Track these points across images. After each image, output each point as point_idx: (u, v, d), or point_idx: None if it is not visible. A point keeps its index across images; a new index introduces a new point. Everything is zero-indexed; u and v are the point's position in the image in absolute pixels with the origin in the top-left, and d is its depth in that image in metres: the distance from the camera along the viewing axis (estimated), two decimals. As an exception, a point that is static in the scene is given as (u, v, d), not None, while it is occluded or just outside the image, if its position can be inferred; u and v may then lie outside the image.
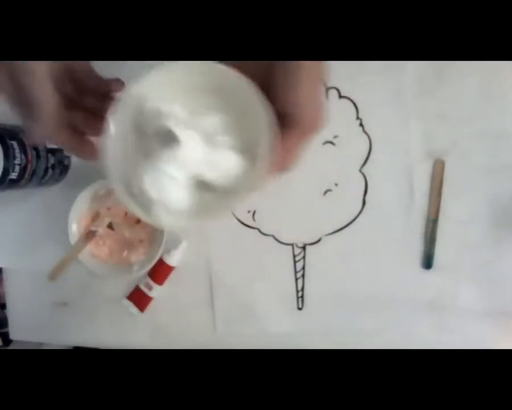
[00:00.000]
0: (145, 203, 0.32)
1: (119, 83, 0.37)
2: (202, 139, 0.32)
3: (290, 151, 0.31)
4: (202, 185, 0.33)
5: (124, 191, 0.33)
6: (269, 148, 0.30)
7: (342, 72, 0.47)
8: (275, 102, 0.30)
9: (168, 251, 0.52)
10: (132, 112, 0.33)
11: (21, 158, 0.46)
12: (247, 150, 0.32)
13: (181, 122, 0.31)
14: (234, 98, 0.32)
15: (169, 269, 0.52)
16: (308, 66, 0.29)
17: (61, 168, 0.53)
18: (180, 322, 0.53)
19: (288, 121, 0.30)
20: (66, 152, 0.52)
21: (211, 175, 0.32)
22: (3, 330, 0.58)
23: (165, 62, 0.31)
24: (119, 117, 0.32)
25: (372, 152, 0.49)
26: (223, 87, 0.32)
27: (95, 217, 0.52)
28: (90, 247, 0.53)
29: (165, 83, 0.32)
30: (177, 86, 0.32)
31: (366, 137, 0.49)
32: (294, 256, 0.51)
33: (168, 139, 0.31)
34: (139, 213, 0.33)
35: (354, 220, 0.50)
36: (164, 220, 0.32)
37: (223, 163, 0.32)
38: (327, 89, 0.30)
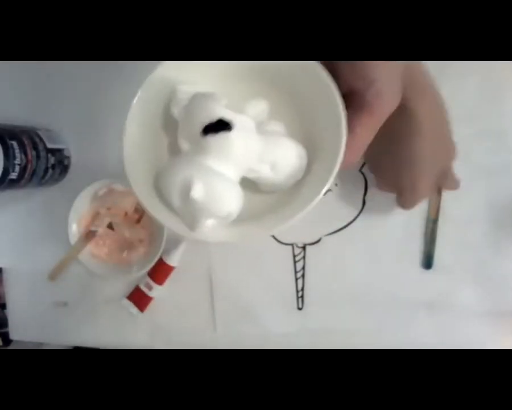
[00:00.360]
0: (186, 214, 0.25)
1: None
2: (255, 127, 0.25)
3: (358, 139, 0.25)
4: (251, 187, 0.27)
5: (153, 201, 0.26)
6: (342, 136, 0.24)
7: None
8: (337, 78, 0.25)
9: (168, 251, 0.52)
10: (160, 99, 0.27)
11: (21, 158, 0.46)
12: (307, 140, 0.26)
13: (224, 105, 0.24)
14: (285, 80, 0.26)
15: (169, 269, 0.52)
16: None
17: (61, 168, 0.53)
18: (180, 322, 0.53)
19: (354, 101, 0.25)
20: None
21: (267, 171, 0.25)
22: (3, 330, 0.58)
23: None
24: (141, 106, 0.26)
25: (372, 152, 0.49)
26: (268, 68, 0.26)
27: (95, 217, 0.52)
28: (90, 247, 0.53)
29: (199, 66, 0.26)
30: (214, 70, 0.27)
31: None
32: (294, 256, 0.51)
33: (214, 128, 0.24)
34: (176, 227, 0.26)
35: (354, 220, 0.50)
36: (214, 233, 0.25)
37: (282, 155, 0.25)
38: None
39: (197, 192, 0.24)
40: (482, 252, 0.47)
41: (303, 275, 0.51)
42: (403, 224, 0.49)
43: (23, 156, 0.46)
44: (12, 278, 0.58)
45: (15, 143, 0.45)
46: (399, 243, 0.49)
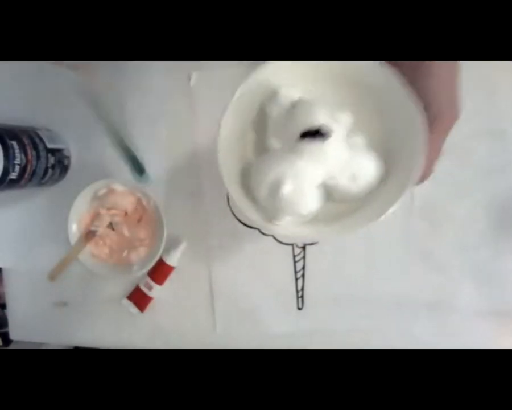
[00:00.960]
0: (269, 207, 0.28)
1: None
2: (344, 137, 0.27)
3: (429, 158, 0.27)
4: (325, 193, 0.28)
5: (242, 195, 0.28)
6: (421, 153, 0.25)
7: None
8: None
9: (168, 251, 0.52)
10: (256, 101, 0.28)
11: (21, 158, 0.46)
12: (385, 152, 0.28)
13: (326, 113, 0.26)
14: (370, 92, 0.27)
15: (169, 269, 0.52)
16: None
17: (61, 168, 0.53)
18: (180, 322, 0.53)
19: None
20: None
21: (345, 181, 0.27)
22: (3, 330, 0.58)
23: None
24: (237, 104, 0.27)
25: (372, 152, 0.49)
26: (355, 79, 0.27)
27: (95, 217, 0.52)
28: (90, 247, 0.53)
29: (292, 71, 0.28)
30: (303, 75, 0.28)
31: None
32: (294, 256, 0.51)
33: (313, 133, 0.26)
34: (257, 219, 0.28)
35: (354, 220, 0.50)
36: (291, 228, 0.28)
37: (362, 168, 0.27)
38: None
39: (287, 189, 0.26)
40: (482, 252, 0.47)
41: (303, 275, 0.51)
42: (403, 224, 0.49)
43: (23, 156, 0.46)
44: (12, 278, 0.58)
45: (15, 143, 0.45)
46: (399, 243, 0.49)
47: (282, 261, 0.51)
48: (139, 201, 0.52)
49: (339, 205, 0.29)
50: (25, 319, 0.58)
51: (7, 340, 0.58)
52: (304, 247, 0.51)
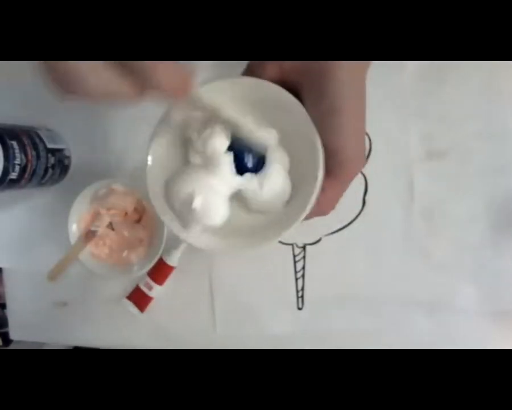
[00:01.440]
0: (185, 217, 0.31)
1: None
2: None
3: (331, 198, 0.30)
4: (238, 202, 0.32)
5: (163, 207, 0.32)
6: (315, 193, 0.28)
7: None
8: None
9: (168, 251, 0.52)
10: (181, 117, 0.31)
11: (21, 158, 0.46)
12: (292, 177, 0.31)
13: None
14: (288, 121, 0.30)
15: (169, 269, 0.52)
16: (350, 109, 0.27)
17: (61, 168, 0.53)
18: (180, 322, 0.53)
19: (328, 167, 0.28)
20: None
21: (252, 194, 0.31)
22: (3, 330, 0.58)
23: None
24: (165, 122, 0.31)
25: (372, 152, 0.49)
26: (278, 113, 0.30)
27: (95, 217, 0.52)
28: (90, 248, 0.53)
29: (222, 94, 0.30)
30: (232, 100, 0.31)
31: (366, 137, 0.49)
32: (294, 256, 0.51)
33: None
34: (175, 229, 0.32)
35: (354, 220, 0.50)
36: (201, 239, 0.31)
37: (270, 178, 0.30)
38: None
39: (198, 203, 0.30)
40: (482, 252, 0.47)
41: (303, 275, 0.51)
42: (403, 224, 0.49)
43: (23, 156, 0.46)
44: (12, 278, 0.58)
45: (15, 143, 0.45)
46: (399, 243, 0.49)
47: (282, 260, 0.51)
48: (139, 201, 0.52)
49: (256, 219, 0.32)
50: (25, 319, 0.58)
51: (7, 340, 0.58)
52: (304, 247, 0.51)
